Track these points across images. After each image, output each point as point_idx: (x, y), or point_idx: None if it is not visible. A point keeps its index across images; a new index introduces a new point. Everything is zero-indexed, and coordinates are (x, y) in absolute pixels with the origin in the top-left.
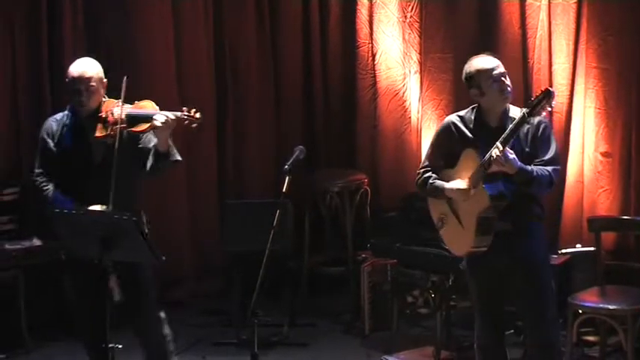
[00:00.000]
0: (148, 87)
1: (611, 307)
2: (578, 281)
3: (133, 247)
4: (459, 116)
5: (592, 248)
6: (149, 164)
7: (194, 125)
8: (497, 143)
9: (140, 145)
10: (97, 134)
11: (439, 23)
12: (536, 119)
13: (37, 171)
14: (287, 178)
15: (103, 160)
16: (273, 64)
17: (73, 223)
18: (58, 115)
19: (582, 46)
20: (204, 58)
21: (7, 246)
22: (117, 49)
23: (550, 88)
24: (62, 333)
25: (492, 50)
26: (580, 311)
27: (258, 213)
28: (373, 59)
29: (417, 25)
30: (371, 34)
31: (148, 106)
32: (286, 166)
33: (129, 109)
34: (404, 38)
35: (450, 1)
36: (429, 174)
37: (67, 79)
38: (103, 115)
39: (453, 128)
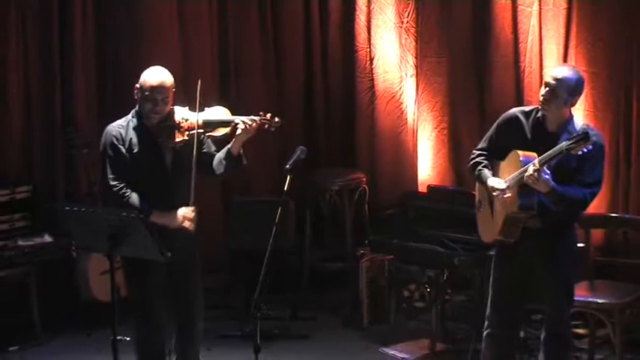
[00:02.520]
0: None
1: (599, 301)
2: None
3: (140, 244)
4: (524, 111)
5: (581, 244)
6: (221, 167)
7: (273, 129)
8: (535, 161)
9: (204, 150)
10: (171, 140)
11: (434, 28)
12: (594, 139)
13: (111, 177)
14: (288, 177)
15: (173, 165)
16: (275, 68)
17: (82, 221)
18: (122, 121)
19: (572, 51)
20: (209, 63)
21: (19, 242)
22: (125, 53)
23: (589, 132)
24: (74, 326)
25: (485, 54)
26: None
27: (261, 211)
28: (371, 63)
29: (413, 30)
30: (369, 38)
31: (221, 112)
32: (288, 166)
33: (205, 114)
34: (400, 43)
35: (445, 7)
36: (480, 159)
37: (139, 88)
38: (177, 121)
39: (515, 121)
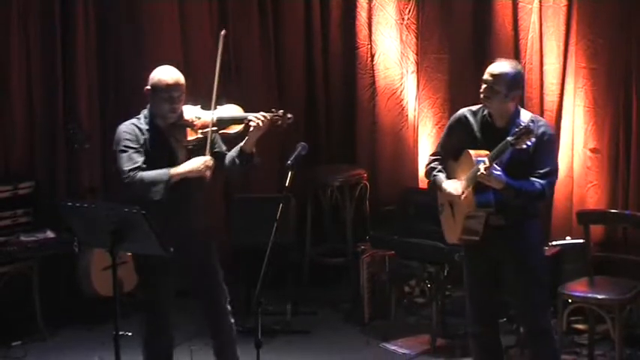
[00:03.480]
0: None
1: (599, 296)
2: (568, 272)
3: (142, 240)
4: (472, 110)
5: (581, 240)
6: (233, 166)
7: (285, 125)
8: (486, 159)
9: (216, 149)
10: (185, 138)
11: (435, 25)
12: (541, 129)
13: (124, 169)
14: (290, 173)
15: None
16: (276, 65)
17: (84, 217)
18: (134, 121)
19: (572, 47)
20: (209, 60)
21: (22, 238)
22: (126, 50)
23: (530, 126)
24: (76, 321)
25: (486, 51)
26: (570, 300)
27: (263, 207)
28: (372, 60)
29: (413, 27)
30: (370, 35)
31: (233, 109)
32: (289, 162)
33: (217, 112)
34: (401, 39)
35: (446, 4)
36: (435, 164)
37: (152, 88)
38: (190, 119)
39: (464, 121)
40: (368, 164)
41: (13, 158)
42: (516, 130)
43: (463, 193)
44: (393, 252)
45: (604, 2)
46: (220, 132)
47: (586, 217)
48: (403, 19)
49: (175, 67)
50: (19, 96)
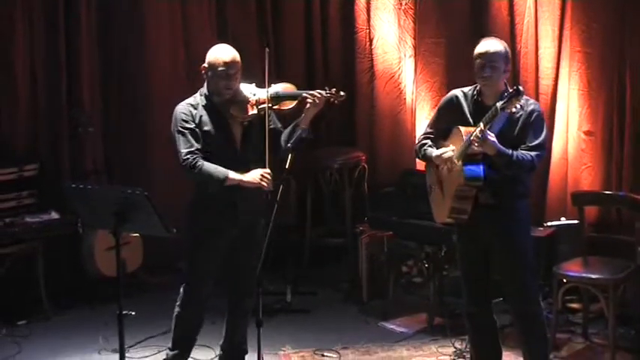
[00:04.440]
0: (159, 79)
1: (593, 276)
2: (563, 252)
3: (145, 220)
4: (463, 92)
5: (576, 221)
6: (289, 142)
7: (337, 102)
8: (480, 124)
9: (271, 126)
10: (240, 114)
11: (432, 10)
12: (530, 107)
13: (183, 152)
14: (290, 156)
15: (242, 141)
16: (276, 50)
17: (87, 198)
18: (191, 100)
19: (567, 32)
20: (209, 44)
21: (27, 219)
22: (128, 39)
23: (520, 88)
24: (80, 301)
25: (482, 36)
26: (564, 280)
27: None
28: (371, 44)
29: (411, 11)
30: (368, 20)
31: (288, 86)
32: (289, 145)
33: (272, 89)
34: (399, 24)
35: None
36: (426, 141)
37: (209, 67)
38: (245, 96)
39: (455, 102)
40: (367, 147)
41: (18, 141)
42: (505, 94)
43: (453, 163)
44: (391, 233)
45: None
46: (274, 108)
47: (580, 199)
48: (401, 4)
49: (175, 52)
50: (23, 82)
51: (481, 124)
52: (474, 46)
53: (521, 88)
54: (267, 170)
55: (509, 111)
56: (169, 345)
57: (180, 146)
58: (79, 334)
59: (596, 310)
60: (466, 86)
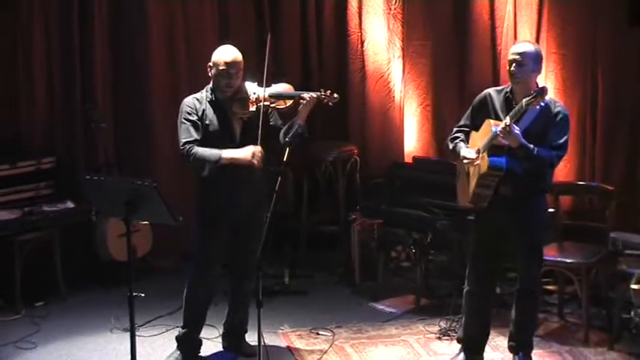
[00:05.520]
0: (162, 77)
1: (568, 260)
2: None
3: (154, 210)
4: (496, 90)
5: (552, 210)
6: (286, 137)
7: (331, 103)
8: (507, 117)
9: (271, 123)
10: (241, 111)
11: (419, 14)
12: (557, 109)
13: (182, 141)
14: (287, 150)
15: (241, 135)
16: (274, 52)
17: (100, 189)
18: (198, 95)
19: (543, 35)
20: (210, 48)
21: (44, 208)
22: (137, 38)
23: (545, 87)
24: (94, 284)
25: (465, 38)
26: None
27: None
28: (362, 46)
29: (400, 16)
30: (360, 24)
31: (286, 87)
32: (287, 139)
33: (271, 88)
34: (389, 27)
35: None
36: (459, 134)
37: (213, 65)
38: (246, 94)
39: (488, 99)
40: (359, 141)
41: (36, 136)
42: (532, 92)
43: (478, 157)
44: (381, 220)
45: None
46: (272, 106)
47: (556, 189)
48: (390, 9)
49: (177, 52)
50: (40, 80)
51: (507, 118)
52: (457, 48)
53: (546, 86)
54: (259, 148)
55: (533, 107)
56: (181, 324)
57: (181, 136)
58: (92, 314)
59: (570, 292)
60: (456, 82)
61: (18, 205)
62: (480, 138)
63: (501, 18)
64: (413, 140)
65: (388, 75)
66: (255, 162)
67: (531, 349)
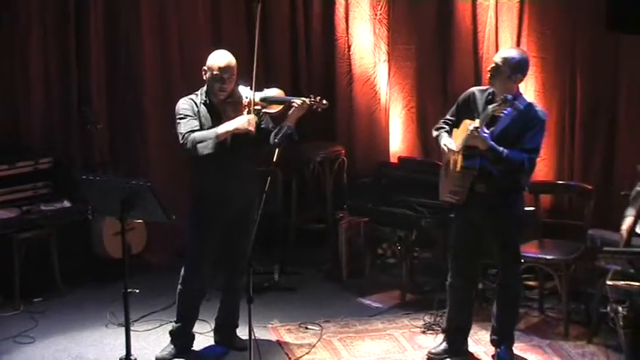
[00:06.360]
0: (156, 79)
1: (548, 257)
2: None
3: (148, 208)
4: (481, 90)
5: (532, 208)
6: (275, 138)
7: (320, 109)
8: (477, 120)
9: (262, 126)
10: (234, 114)
11: (404, 19)
12: (535, 114)
13: (180, 134)
14: (277, 150)
15: (233, 136)
16: (264, 56)
17: (97, 188)
18: (193, 96)
19: (524, 39)
20: (204, 52)
21: (42, 207)
22: (132, 42)
23: (508, 96)
24: (90, 280)
25: (448, 43)
26: (522, 260)
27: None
28: (349, 50)
29: (385, 21)
30: (347, 29)
31: (277, 92)
32: (276, 140)
33: (263, 93)
34: (374, 32)
35: (414, 1)
36: (444, 126)
37: (207, 69)
38: (239, 98)
39: (472, 98)
40: (346, 142)
41: (33, 137)
42: (498, 99)
43: (456, 151)
44: (367, 219)
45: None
46: (263, 110)
47: (536, 188)
48: (376, 14)
49: (172, 56)
50: (37, 82)
51: (477, 122)
52: (441, 52)
53: (509, 96)
54: (252, 115)
55: (499, 114)
56: (174, 318)
57: (181, 129)
58: (89, 309)
59: (550, 288)
60: (439, 85)
61: (16, 204)
62: (458, 136)
63: (483, 23)
64: (398, 141)
65: (374, 78)
66: (251, 128)
67: (513, 342)
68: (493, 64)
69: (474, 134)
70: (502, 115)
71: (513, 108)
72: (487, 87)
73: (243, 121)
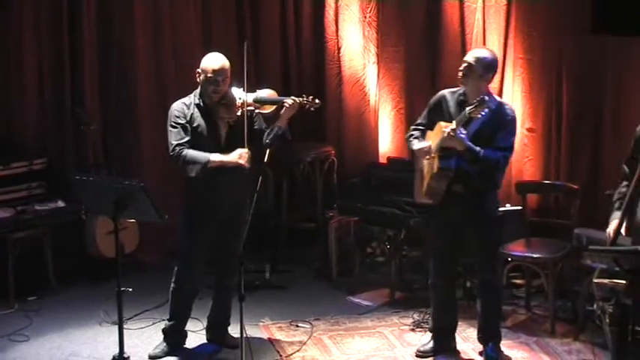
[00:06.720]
0: (149, 81)
1: (535, 255)
2: (508, 234)
3: (141, 208)
4: (451, 92)
5: (519, 207)
6: (268, 138)
7: (312, 109)
8: (453, 122)
9: (256, 127)
10: (227, 115)
11: (393, 22)
12: (506, 112)
13: (172, 144)
14: (268, 151)
15: (226, 138)
16: (255, 58)
17: (90, 189)
18: (186, 99)
19: (511, 41)
20: (196, 56)
21: (36, 207)
22: (125, 44)
23: (485, 98)
24: (84, 279)
25: (436, 45)
26: (509, 259)
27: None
28: (339, 52)
29: (374, 23)
30: (337, 31)
31: (269, 92)
32: (267, 141)
33: (255, 94)
34: (364, 34)
35: (402, 4)
36: (415, 132)
37: (201, 71)
38: (233, 99)
39: (443, 100)
40: (336, 142)
41: (28, 138)
42: (474, 101)
43: (432, 153)
44: (357, 218)
45: (538, 2)
46: (256, 111)
47: (523, 187)
48: (365, 17)
49: (164, 58)
50: (31, 83)
51: (454, 123)
52: (429, 54)
53: (486, 97)
54: (245, 150)
55: (475, 116)
56: (167, 317)
57: (172, 138)
58: (82, 308)
59: (537, 286)
60: (427, 87)
61: (11, 204)
62: (433, 138)
63: (471, 25)
64: (387, 141)
65: (364, 80)
66: (243, 162)
67: (500, 339)
68: (466, 64)
69: (450, 136)
70: (478, 117)
71: (488, 108)
72: (457, 89)
73: (235, 156)
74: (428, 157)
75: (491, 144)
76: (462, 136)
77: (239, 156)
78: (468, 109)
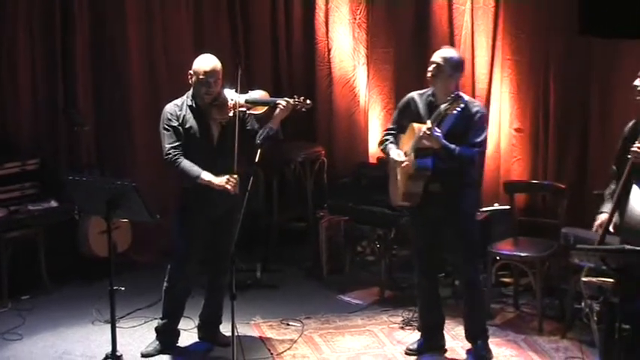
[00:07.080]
0: (142, 82)
1: (522, 254)
2: (496, 233)
3: (134, 208)
4: (419, 93)
5: (507, 207)
6: (260, 138)
7: (304, 109)
8: (428, 121)
9: (248, 127)
10: (219, 116)
11: (382, 24)
12: (475, 109)
13: (166, 147)
14: (259, 151)
15: (219, 139)
16: (246, 59)
17: (82, 189)
18: (178, 101)
19: (499, 42)
20: (188, 56)
21: (30, 207)
22: (117, 45)
23: (459, 93)
24: (76, 278)
25: (425, 46)
26: (498, 258)
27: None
28: (329, 54)
29: (364, 25)
30: (327, 33)
31: (262, 94)
32: (258, 141)
33: (247, 95)
34: (354, 36)
35: (392, 6)
36: (389, 137)
37: (193, 73)
38: (225, 100)
39: (412, 102)
40: (326, 142)
41: (21, 138)
42: (448, 98)
43: (406, 158)
44: (347, 217)
45: (526, 3)
46: (248, 112)
47: (511, 187)
48: (355, 18)
49: (157, 59)
50: (25, 84)
51: (429, 122)
52: (419, 56)
53: (460, 93)
54: (235, 176)
55: (451, 112)
56: (160, 315)
57: (165, 141)
58: (75, 307)
59: (525, 284)
60: (417, 88)
61: (4, 204)
62: (406, 141)
63: (459, 27)
64: (377, 142)
65: (353, 81)
66: (230, 188)
67: (487, 337)
68: (434, 65)
69: (426, 135)
70: (454, 113)
71: (464, 104)
72: (425, 90)
73: (222, 180)
74: (404, 163)
75: (463, 141)
76: (437, 134)
77: (227, 181)
78: (443, 106)
